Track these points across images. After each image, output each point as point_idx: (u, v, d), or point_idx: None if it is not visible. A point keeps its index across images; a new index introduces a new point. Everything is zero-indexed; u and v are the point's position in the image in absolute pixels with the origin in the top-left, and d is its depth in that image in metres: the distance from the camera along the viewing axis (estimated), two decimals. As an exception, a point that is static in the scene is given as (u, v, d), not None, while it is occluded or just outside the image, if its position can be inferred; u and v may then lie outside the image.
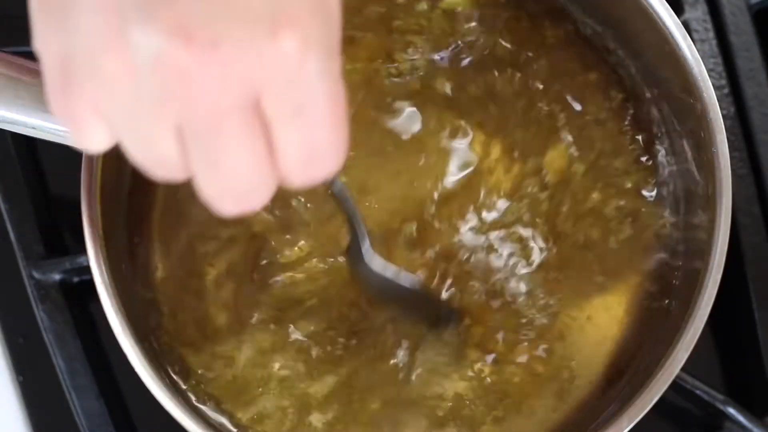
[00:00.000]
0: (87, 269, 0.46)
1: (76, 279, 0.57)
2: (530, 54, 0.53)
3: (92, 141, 0.35)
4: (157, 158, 0.34)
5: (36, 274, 0.56)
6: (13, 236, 0.57)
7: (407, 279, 0.50)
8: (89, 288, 0.47)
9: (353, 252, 0.49)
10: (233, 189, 0.34)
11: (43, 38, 0.34)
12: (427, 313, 0.52)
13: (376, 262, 0.49)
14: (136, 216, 0.51)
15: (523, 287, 0.51)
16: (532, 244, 0.52)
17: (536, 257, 0.52)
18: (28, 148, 0.59)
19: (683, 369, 0.46)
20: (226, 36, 0.31)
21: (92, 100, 0.33)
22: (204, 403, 0.50)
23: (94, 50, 0.32)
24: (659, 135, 0.53)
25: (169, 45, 0.31)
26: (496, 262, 0.52)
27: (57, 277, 0.56)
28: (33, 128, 0.47)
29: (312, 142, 0.34)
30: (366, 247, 0.49)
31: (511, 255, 0.52)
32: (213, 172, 0.34)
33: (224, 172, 0.34)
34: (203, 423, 0.46)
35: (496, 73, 0.53)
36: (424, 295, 0.51)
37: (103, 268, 0.45)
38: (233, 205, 0.35)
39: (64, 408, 0.55)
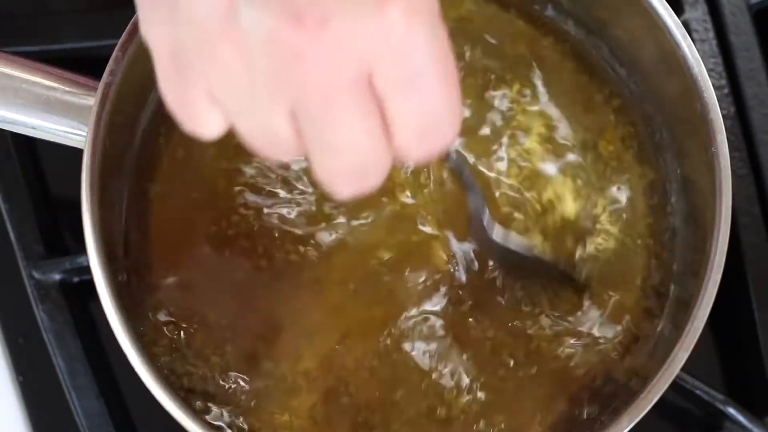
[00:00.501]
0: (87, 269, 0.46)
1: (76, 279, 0.57)
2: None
3: (207, 128, 0.35)
4: (272, 141, 0.34)
5: (36, 274, 0.56)
6: (13, 236, 0.57)
7: (527, 247, 0.50)
8: (89, 288, 0.47)
9: (476, 224, 0.49)
10: (349, 168, 0.34)
11: (151, 26, 0.34)
12: (548, 276, 0.52)
13: (498, 233, 0.49)
14: (136, 216, 0.51)
15: None
16: None
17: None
18: (28, 148, 0.59)
19: (683, 369, 0.46)
20: (333, 13, 0.31)
21: (207, 87, 0.33)
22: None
23: (207, 37, 0.32)
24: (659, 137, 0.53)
25: (279, 27, 0.31)
26: None
27: (57, 277, 0.56)
28: (33, 128, 0.47)
29: (427, 112, 0.34)
30: (487, 219, 0.49)
31: None
32: (328, 153, 0.34)
33: (340, 152, 0.34)
34: (203, 423, 0.45)
35: None
36: (543, 261, 0.51)
37: (103, 268, 0.45)
38: (349, 185, 0.35)
39: (64, 408, 0.55)
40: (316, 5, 0.31)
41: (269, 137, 0.34)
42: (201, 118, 0.35)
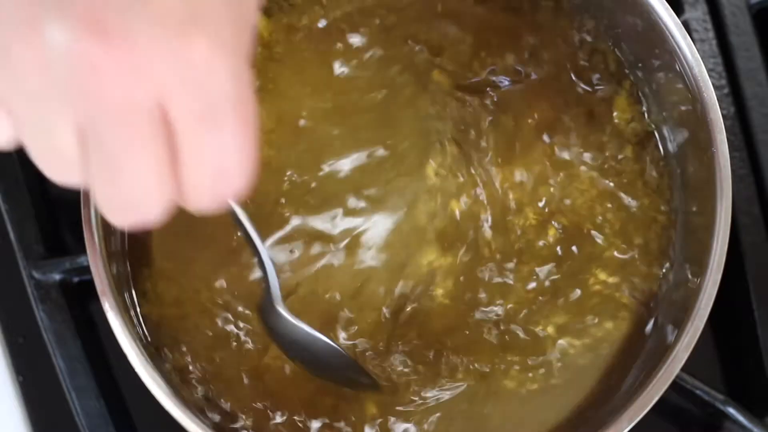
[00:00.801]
0: (87, 269, 0.46)
1: (76, 279, 0.57)
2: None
3: None
4: (55, 158, 0.33)
5: (36, 274, 0.56)
6: (13, 236, 0.57)
7: (320, 341, 0.47)
8: (89, 288, 0.47)
9: (265, 302, 0.46)
10: (125, 201, 0.33)
11: None
12: (343, 374, 0.49)
13: (283, 311, 0.45)
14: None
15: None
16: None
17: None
18: (28, 148, 0.59)
19: (683, 369, 0.46)
20: (136, 30, 0.31)
21: None
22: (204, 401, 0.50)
23: (6, 36, 0.31)
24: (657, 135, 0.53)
25: (80, 37, 0.30)
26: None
27: (57, 277, 0.56)
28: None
29: (218, 155, 0.33)
30: (276, 294, 0.45)
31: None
32: (108, 181, 0.32)
33: (119, 182, 0.32)
34: (203, 423, 0.45)
35: None
36: (337, 355, 0.48)
37: (103, 268, 0.45)
38: (122, 217, 0.34)
39: (64, 408, 0.55)
40: (120, 19, 0.31)
41: (53, 154, 0.33)
42: None
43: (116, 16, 0.30)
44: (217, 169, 0.33)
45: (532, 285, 0.51)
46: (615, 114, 0.53)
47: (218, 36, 0.32)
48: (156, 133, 0.32)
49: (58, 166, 0.33)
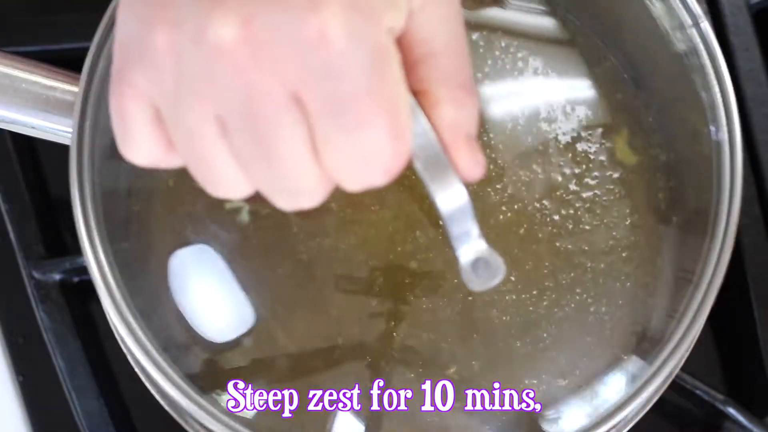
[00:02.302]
0: (87, 269, 0.46)
1: (76, 279, 0.57)
2: None
3: (138, 143, 0.33)
4: (204, 160, 0.32)
5: (36, 274, 0.56)
6: (13, 236, 0.57)
7: None
8: (89, 288, 0.47)
9: None
10: (281, 186, 0.32)
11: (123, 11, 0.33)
12: None
13: None
14: (137, 216, 0.51)
15: None
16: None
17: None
18: (28, 148, 0.59)
19: (683, 369, 0.46)
20: (258, 11, 0.29)
21: (139, 84, 0.32)
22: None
23: (144, 28, 0.31)
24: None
25: (208, 21, 0.30)
26: None
27: (57, 277, 0.56)
28: (33, 128, 0.47)
29: (356, 147, 0.31)
30: None
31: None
32: (257, 166, 0.31)
33: (274, 166, 0.31)
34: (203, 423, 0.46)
35: None
36: None
37: (103, 268, 0.45)
38: (289, 200, 0.33)
39: (64, 408, 0.55)
40: (240, 1, 0.29)
41: (200, 154, 0.32)
42: (132, 129, 0.33)
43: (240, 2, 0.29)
44: (360, 159, 0.31)
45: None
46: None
47: (346, 14, 0.29)
48: (296, 120, 0.30)
49: (214, 174, 0.32)
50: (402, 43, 0.33)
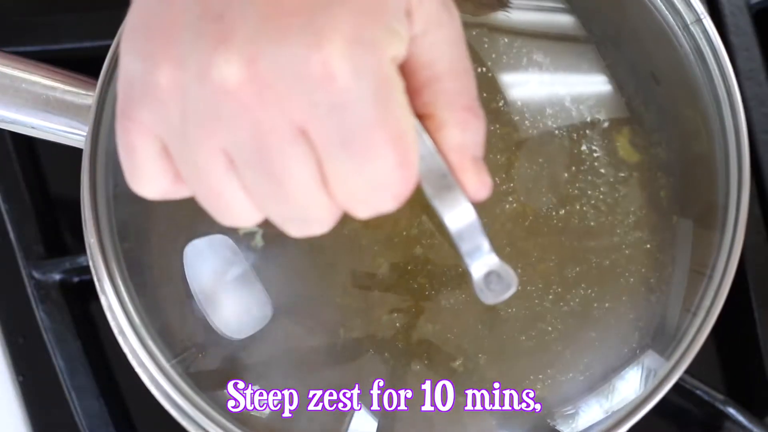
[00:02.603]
0: (87, 269, 0.46)
1: (76, 279, 0.57)
2: None
3: (146, 177, 0.33)
4: (213, 192, 0.32)
5: (36, 274, 0.56)
6: (13, 236, 0.57)
7: None
8: (89, 288, 0.47)
9: None
10: (290, 216, 0.32)
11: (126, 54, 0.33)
12: None
13: None
14: (137, 216, 0.51)
15: None
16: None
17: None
18: (28, 148, 0.59)
19: (683, 369, 0.46)
20: (261, 48, 0.30)
21: (145, 120, 0.32)
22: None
23: (148, 66, 0.31)
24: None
25: (210, 59, 0.30)
26: None
27: (57, 277, 0.56)
28: (33, 128, 0.47)
29: (362, 177, 0.31)
30: None
31: None
32: (266, 198, 0.32)
33: (276, 198, 0.32)
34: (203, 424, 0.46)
35: None
36: None
37: (103, 268, 0.45)
38: (299, 228, 0.33)
39: (64, 408, 0.55)
40: (245, 38, 0.30)
41: (207, 185, 0.32)
42: (143, 169, 0.33)
43: (240, 34, 0.30)
44: (366, 189, 0.32)
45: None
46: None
47: (353, 23, 0.30)
48: (304, 153, 0.31)
49: (224, 206, 0.33)
50: (405, 68, 0.33)
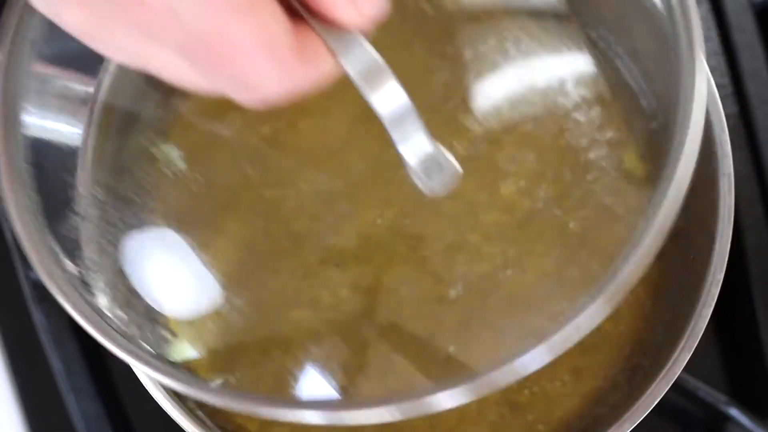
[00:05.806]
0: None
1: (73, 279, 0.57)
2: None
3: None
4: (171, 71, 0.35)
5: (32, 275, 0.56)
6: (10, 237, 0.57)
7: None
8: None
9: None
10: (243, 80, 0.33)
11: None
12: None
13: None
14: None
15: None
16: None
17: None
18: (26, 147, 0.59)
19: (685, 369, 0.46)
20: None
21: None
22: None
23: None
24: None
25: None
26: None
27: (54, 277, 0.56)
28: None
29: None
30: None
31: None
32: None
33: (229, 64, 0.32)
34: (202, 425, 0.45)
35: None
36: None
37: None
38: (249, 97, 0.33)
39: (61, 409, 0.55)
40: None
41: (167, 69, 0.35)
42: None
43: None
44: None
45: None
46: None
47: None
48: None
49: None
50: None
